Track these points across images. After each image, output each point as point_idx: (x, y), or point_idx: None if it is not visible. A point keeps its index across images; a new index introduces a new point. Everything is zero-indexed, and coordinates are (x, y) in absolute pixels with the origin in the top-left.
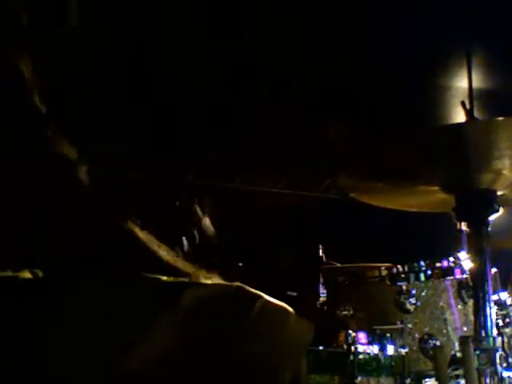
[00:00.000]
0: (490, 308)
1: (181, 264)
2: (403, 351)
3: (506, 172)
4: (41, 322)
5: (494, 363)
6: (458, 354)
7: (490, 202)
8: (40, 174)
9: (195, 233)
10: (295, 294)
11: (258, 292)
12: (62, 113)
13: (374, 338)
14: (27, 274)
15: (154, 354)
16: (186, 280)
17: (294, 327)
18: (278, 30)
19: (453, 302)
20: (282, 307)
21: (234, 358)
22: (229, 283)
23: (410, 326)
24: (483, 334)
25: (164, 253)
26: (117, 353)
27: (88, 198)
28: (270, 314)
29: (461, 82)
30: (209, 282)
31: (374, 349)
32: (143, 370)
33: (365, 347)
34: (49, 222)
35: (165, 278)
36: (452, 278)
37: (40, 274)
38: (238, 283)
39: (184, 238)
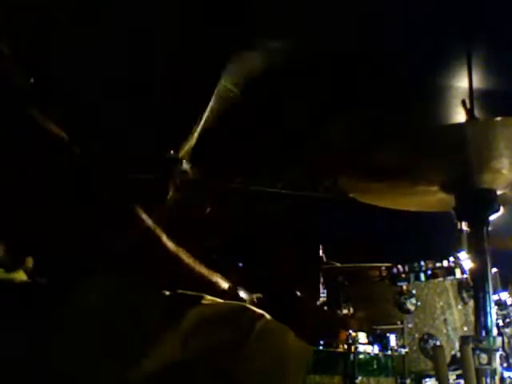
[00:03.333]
0: (491, 308)
1: (183, 256)
2: (403, 351)
3: (506, 171)
4: (41, 322)
5: (494, 363)
6: (458, 354)
7: (490, 201)
8: (32, 153)
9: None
10: (300, 293)
11: (261, 311)
12: (62, 112)
13: (375, 337)
14: (22, 275)
15: (154, 364)
16: (190, 295)
17: (293, 346)
18: (279, 31)
19: (453, 302)
20: (282, 327)
21: (235, 374)
22: (232, 302)
23: (410, 325)
24: (483, 334)
25: (169, 243)
26: (117, 356)
27: (88, 195)
28: (270, 333)
29: (461, 82)
30: (217, 283)
31: (375, 349)
32: (143, 378)
33: (365, 347)
34: (48, 223)
35: (167, 292)
36: (452, 277)
37: (39, 274)
38: (242, 303)
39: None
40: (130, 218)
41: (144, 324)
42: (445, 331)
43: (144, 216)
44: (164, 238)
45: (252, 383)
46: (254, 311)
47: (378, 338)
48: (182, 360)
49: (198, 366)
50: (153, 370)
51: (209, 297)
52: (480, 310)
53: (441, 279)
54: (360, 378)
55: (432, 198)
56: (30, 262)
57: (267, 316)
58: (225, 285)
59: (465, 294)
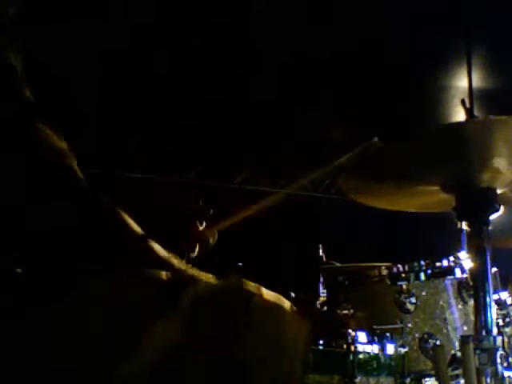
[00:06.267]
0: (491, 307)
1: (174, 260)
2: (403, 350)
3: (505, 171)
4: (41, 321)
5: (494, 363)
6: (458, 354)
7: (490, 201)
8: (34, 165)
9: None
10: (295, 294)
11: (257, 287)
12: (61, 113)
13: (374, 337)
14: (24, 274)
15: (155, 353)
16: (185, 276)
17: (290, 323)
18: (280, 30)
19: (453, 301)
20: (277, 304)
21: (234, 353)
22: (227, 280)
23: (410, 325)
24: (483, 333)
25: (158, 247)
26: (117, 353)
27: (84, 191)
28: (266, 309)
29: (461, 82)
30: (206, 279)
31: (374, 348)
32: (144, 369)
33: (365, 347)
34: (50, 221)
35: (164, 273)
36: (452, 277)
37: (38, 272)
38: (236, 279)
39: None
40: (120, 227)
41: (143, 312)
42: (445, 331)
43: (134, 225)
44: (155, 247)
45: (253, 360)
46: (248, 287)
47: (377, 338)
48: (182, 343)
49: (199, 348)
50: (154, 357)
51: (203, 279)
52: (480, 310)
53: (441, 279)
54: (359, 377)
55: (432, 199)
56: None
57: (263, 291)
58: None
59: (465, 294)
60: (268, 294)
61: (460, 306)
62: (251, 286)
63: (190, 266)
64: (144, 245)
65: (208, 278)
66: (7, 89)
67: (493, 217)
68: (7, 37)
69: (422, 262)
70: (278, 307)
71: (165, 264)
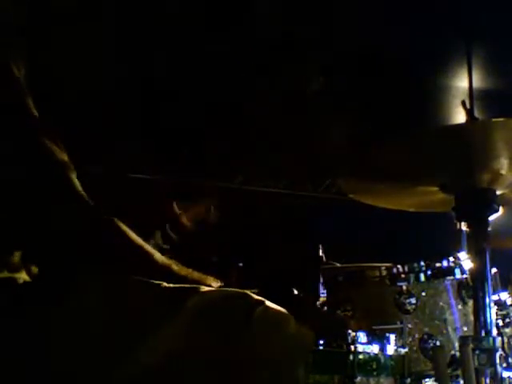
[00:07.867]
0: (490, 308)
1: (175, 267)
2: (403, 351)
3: (505, 172)
4: (41, 321)
5: (493, 363)
6: (458, 354)
7: (489, 201)
8: (35, 176)
9: (168, 230)
10: (297, 292)
11: (260, 298)
12: (59, 114)
13: (374, 337)
14: (24, 275)
15: (155, 357)
16: (188, 286)
17: (294, 333)
18: (280, 30)
19: (453, 302)
20: (282, 314)
21: (235, 363)
22: (231, 290)
23: (409, 326)
24: (483, 334)
25: (158, 255)
26: (117, 354)
27: (85, 200)
28: (270, 320)
29: (461, 82)
30: (211, 286)
31: (374, 349)
32: (144, 372)
33: (364, 347)
34: (48, 224)
35: (165, 284)
36: (452, 278)
37: (38, 274)
38: (239, 290)
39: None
40: (118, 235)
41: (144, 318)
42: (445, 331)
43: (132, 234)
44: (156, 255)
45: (254, 370)
46: (253, 297)
47: (377, 338)
48: (184, 350)
49: (200, 356)
50: (155, 362)
51: (205, 287)
52: (480, 310)
53: (441, 279)
54: (360, 377)
55: (432, 198)
56: (35, 269)
57: (267, 302)
58: (218, 286)
59: (465, 295)
60: (271, 305)
61: (460, 307)
62: (254, 297)
63: (191, 270)
64: (143, 253)
65: (210, 280)
66: (9, 101)
67: (492, 217)
68: (10, 48)
69: (422, 263)
70: (281, 316)
71: (165, 271)
